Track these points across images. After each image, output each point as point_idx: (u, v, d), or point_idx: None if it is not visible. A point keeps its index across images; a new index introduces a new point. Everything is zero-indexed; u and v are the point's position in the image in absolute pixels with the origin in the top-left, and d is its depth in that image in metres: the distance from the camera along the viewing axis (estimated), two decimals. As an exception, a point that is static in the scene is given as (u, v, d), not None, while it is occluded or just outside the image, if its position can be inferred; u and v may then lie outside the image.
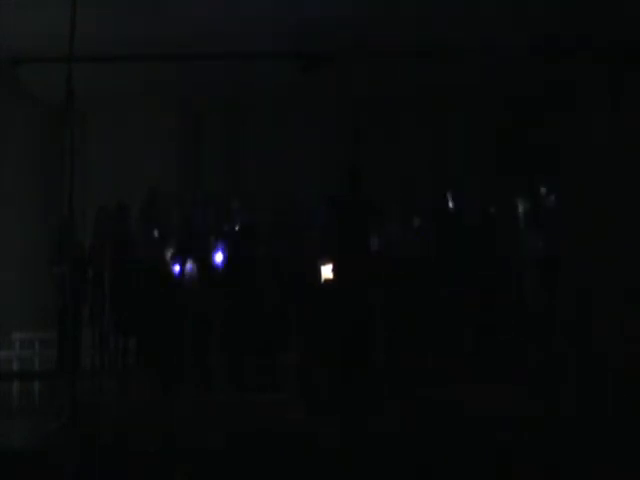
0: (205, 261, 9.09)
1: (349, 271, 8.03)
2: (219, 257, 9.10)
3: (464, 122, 11.25)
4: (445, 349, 8.84)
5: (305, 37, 9.35)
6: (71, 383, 6.90)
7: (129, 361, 9.07)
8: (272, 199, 9.83)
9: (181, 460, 5.76)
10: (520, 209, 9.29)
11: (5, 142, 10.33)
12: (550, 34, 9.23)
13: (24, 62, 9.63)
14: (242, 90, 11.08)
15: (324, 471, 5.72)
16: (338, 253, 8.23)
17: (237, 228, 9.41)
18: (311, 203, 9.52)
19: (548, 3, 8.82)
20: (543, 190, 9.27)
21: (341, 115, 11.33)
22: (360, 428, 6.61)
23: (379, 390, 8.04)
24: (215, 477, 5.72)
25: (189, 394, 8.57)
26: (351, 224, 8.00)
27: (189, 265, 9.06)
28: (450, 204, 9.47)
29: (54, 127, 10.55)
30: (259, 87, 10.80)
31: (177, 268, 9.04)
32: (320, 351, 8.50)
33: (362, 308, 8.11)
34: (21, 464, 5.74)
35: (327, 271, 8.69)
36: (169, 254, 9.12)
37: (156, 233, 9.37)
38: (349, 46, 9.42)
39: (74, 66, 6.77)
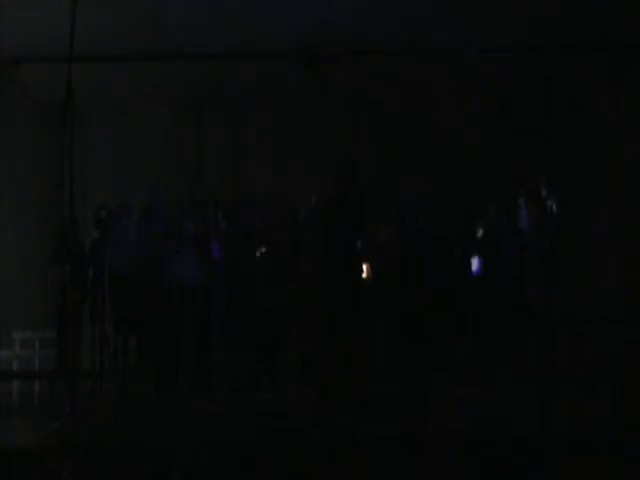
0: (204, 261, 9.09)
1: (343, 270, 8.02)
2: (219, 257, 9.11)
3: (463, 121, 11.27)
4: (444, 348, 8.87)
5: (307, 37, 9.37)
6: (71, 383, 6.91)
7: (129, 361, 9.07)
8: (271, 199, 9.85)
9: (181, 460, 5.77)
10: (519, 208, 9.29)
11: (5, 142, 10.34)
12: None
13: (24, 62, 9.64)
14: (243, 90, 11.10)
15: (324, 471, 5.73)
16: (332, 253, 8.21)
17: (237, 228, 9.42)
18: (309, 203, 9.54)
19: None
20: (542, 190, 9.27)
21: (341, 114, 11.36)
22: (359, 429, 6.61)
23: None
24: (215, 477, 5.73)
25: (189, 394, 8.59)
26: (345, 224, 7.98)
27: (189, 264, 9.06)
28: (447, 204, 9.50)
29: (54, 127, 10.56)
30: (260, 87, 10.83)
31: (177, 267, 9.05)
32: (314, 351, 8.51)
33: (358, 307, 8.10)
34: (21, 464, 5.75)
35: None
36: (169, 253, 9.13)
37: (156, 233, 9.36)
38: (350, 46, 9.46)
39: (74, 66, 6.77)
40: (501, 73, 10.44)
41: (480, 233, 9.20)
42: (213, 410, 7.59)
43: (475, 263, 9.05)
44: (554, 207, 8.72)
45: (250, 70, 10.25)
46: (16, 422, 7.59)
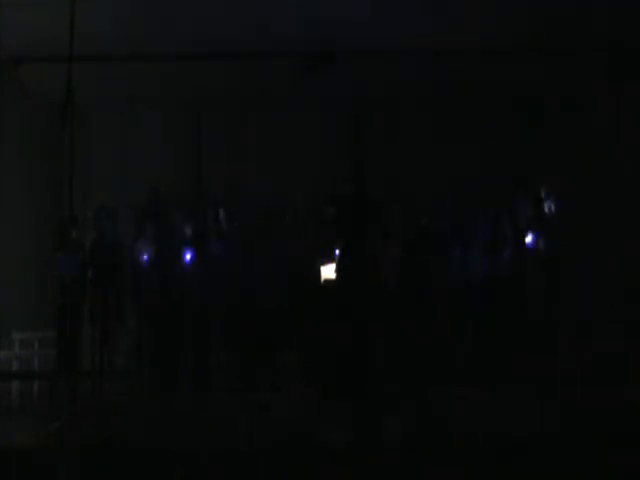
0: (205, 261, 9.09)
1: (351, 270, 8.03)
2: (219, 257, 9.11)
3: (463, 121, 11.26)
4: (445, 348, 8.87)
5: (307, 37, 9.36)
6: (71, 383, 6.92)
7: (129, 361, 9.07)
8: (273, 198, 9.85)
9: (181, 461, 5.77)
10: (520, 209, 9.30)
11: (5, 142, 10.33)
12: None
13: (24, 62, 9.64)
14: (243, 90, 11.09)
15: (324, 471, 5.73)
16: (340, 253, 8.22)
17: (238, 228, 9.42)
18: (313, 202, 9.54)
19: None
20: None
21: (343, 114, 11.35)
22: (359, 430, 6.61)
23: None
24: (215, 478, 5.74)
25: (189, 394, 8.60)
26: (353, 222, 7.99)
27: (189, 264, 9.06)
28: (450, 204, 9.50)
29: (54, 127, 10.56)
30: (261, 87, 10.81)
31: (177, 267, 9.05)
32: (321, 351, 8.52)
33: (363, 307, 8.11)
34: (21, 464, 5.75)
35: (329, 271, 8.70)
36: (169, 253, 9.13)
37: (156, 232, 9.36)
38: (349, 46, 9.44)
39: (74, 66, 6.78)
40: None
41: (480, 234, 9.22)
42: (213, 410, 7.61)
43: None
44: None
45: (250, 70, 10.24)
46: (16, 422, 7.59)
